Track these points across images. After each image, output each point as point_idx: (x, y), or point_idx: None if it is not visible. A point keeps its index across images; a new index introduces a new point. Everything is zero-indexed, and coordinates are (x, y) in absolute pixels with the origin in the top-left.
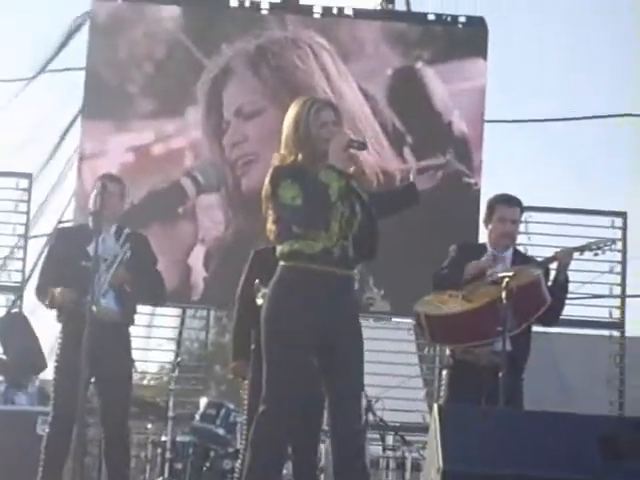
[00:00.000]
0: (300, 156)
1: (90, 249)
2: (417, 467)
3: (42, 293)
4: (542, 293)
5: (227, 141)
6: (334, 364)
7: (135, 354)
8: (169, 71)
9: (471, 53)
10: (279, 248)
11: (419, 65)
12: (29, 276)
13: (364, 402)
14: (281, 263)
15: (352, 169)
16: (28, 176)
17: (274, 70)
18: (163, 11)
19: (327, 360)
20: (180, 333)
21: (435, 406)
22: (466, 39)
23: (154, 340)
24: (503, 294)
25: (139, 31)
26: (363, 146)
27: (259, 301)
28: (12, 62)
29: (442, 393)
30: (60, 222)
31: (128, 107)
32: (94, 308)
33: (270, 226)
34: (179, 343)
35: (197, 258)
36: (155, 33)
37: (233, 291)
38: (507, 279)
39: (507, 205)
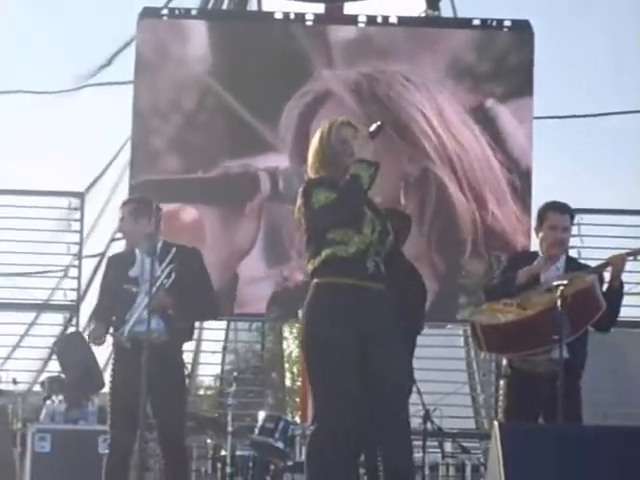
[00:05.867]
0: (328, 172)
1: (132, 272)
2: (477, 470)
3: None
4: (597, 299)
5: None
6: (373, 376)
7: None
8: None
9: (519, 92)
10: (311, 265)
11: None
12: (84, 294)
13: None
14: (314, 281)
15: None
16: (80, 195)
17: (373, 98)
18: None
19: (366, 373)
20: (224, 346)
21: (495, 424)
22: (513, 78)
23: (205, 351)
24: (558, 302)
25: (182, 70)
26: (381, 127)
27: None
28: (57, 75)
29: (500, 402)
30: (113, 239)
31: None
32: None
33: (305, 252)
34: (235, 354)
35: (247, 269)
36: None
37: None
38: (562, 287)
39: (558, 212)
